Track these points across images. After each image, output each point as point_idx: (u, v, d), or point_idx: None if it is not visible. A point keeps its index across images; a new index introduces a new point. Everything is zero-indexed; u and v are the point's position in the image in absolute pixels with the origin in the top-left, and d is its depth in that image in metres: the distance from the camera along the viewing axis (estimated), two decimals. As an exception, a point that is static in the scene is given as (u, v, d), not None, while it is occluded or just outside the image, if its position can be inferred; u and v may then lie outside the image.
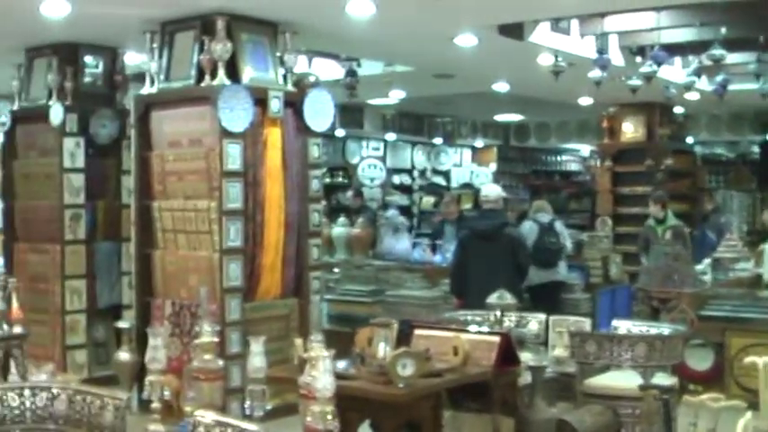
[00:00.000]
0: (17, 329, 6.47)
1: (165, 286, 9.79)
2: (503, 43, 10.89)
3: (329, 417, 4.93)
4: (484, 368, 6.91)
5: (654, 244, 13.26)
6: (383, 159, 22.00)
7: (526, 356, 7.77)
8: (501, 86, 15.14)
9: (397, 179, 22.53)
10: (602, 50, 11.07)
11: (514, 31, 10.74)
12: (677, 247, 10.09)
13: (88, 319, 10.97)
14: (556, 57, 11.36)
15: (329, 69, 12.73)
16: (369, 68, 13.28)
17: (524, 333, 8.58)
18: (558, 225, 12.24)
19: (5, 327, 6.44)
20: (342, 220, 14.54)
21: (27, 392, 5.33)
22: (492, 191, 10.89)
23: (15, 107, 11.56)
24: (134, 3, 9.11)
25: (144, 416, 6.06)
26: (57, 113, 10.71)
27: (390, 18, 9.74)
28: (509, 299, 8.46)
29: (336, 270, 12.85)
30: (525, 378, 7.42)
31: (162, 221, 9.75)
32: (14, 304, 6.51)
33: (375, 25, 9.92)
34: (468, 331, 7.35)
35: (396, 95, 16.36)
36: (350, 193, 16.79)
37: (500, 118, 22.68)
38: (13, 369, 6.47)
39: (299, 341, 6.39)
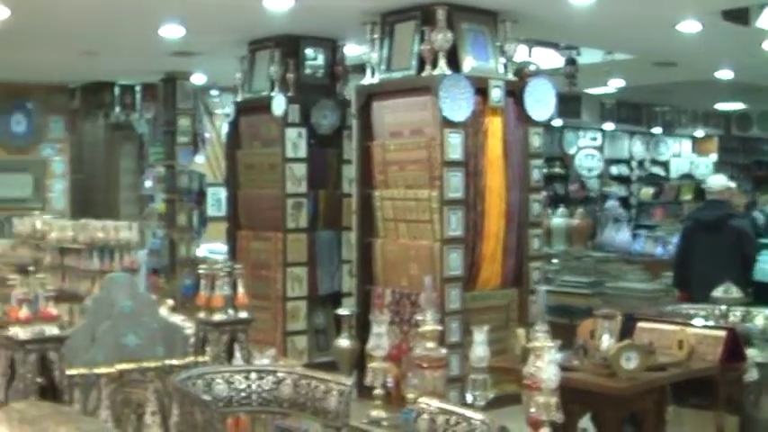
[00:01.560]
0: (242, 314, 6.58)
1: (385, 275, 9.88)
2: (727, 29, 10.58)
3: (553, 408, 4.89)
4: (709, 363, 6.76)
5: None
6: (601, 149, 21.70)
7: (752, 353, 7.54)
8: (724, 74, 14.76)
9: (614, 169, 22.20)
10: (832, 34, 10.66)
11: (740, 15, 10.41)
12: None
13: (309, 305, 11.20)
14: (784, 42, 11.00)
15: (548, 58, 12.62)
16: (588, 57, 13.11)
17: (750, 328, 8.32)
18: (788, 218, 11.86)
19: (231, 312, 6.56)
20: (561, 210, 14.41)
21: (253, 375, 5.43)
22: (716, 181, 10.60)
23: (239, 99, 11.87)
24: (355, -5, 9.24)
25: (363, 402, 6.12)
26: (279, 104, 10.92)
27: (612, 5, 9.61)
28: (735, 292, 8.22)
29: (555, 261, 12.73)
30: (751, 375, 7.22)
31: (383, 210, 9.84)
32: (240, 290, 6.63)
33: (596, 13, 9.80)
34: (692, 325, 7.19)
35: (614, 84, 16.13)
36: (575, 186, 16.60)
37: (721, 107, 22.10)
38: (237, 353, 6.59)
39: (521, 331, 6.35)
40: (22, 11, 9.46)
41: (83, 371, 5.87)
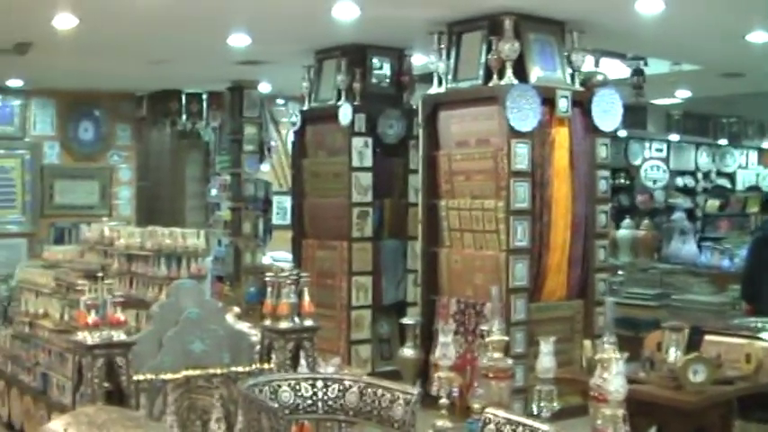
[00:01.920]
0: (308, 322, 6.60)
1: (450, 284, 9.87)
2: (797, 39, 10.50)
3: (620, 420, 4.85)
4: (777, 378, 6.69)
5: None
6: (666, 161, 21.51)
7: (823, 367, 7.44)
8: (793, 85, 14.60)
9: (680, 181, 21.98)
10: None
11: (810, 26, 10.33)
12: None
13: (373, 314, 11.24)
14: None
15: (615, 68, 12.54)
16: (655, 67, 13.02)
17: (820, 342, 8.22)
18: None
19: (296, 320, 6.58)
20: (627, 221, 14.31)
21: (320, 383, 5.45)
22: (787, 193, 10.50)
23: (305, 108, 11.92)
24: (421, 4, 9.22)
25: (427, 411, 6.10)
26: (345, 114, 10.96)
27: (680, 15, 9.52)
28: (804, 306, 8.15)
29: (620, 272, 12.64)
30: (822, 389, 7.12)
31: (449, 220, 9.83)
32: (306, 298, 6.64)
33: (664, 23, 9.72)
34: (760, 339, 7.12)
35: (681, 95, 16.00)
36: (643, 197, 16.46)
37: (789, 118, 21.89)
38: (302, 361, 6.60)
39: (587, 343, 6.32)
40: (91, 20, 9.55)
41: (149, 376, 5.91)
